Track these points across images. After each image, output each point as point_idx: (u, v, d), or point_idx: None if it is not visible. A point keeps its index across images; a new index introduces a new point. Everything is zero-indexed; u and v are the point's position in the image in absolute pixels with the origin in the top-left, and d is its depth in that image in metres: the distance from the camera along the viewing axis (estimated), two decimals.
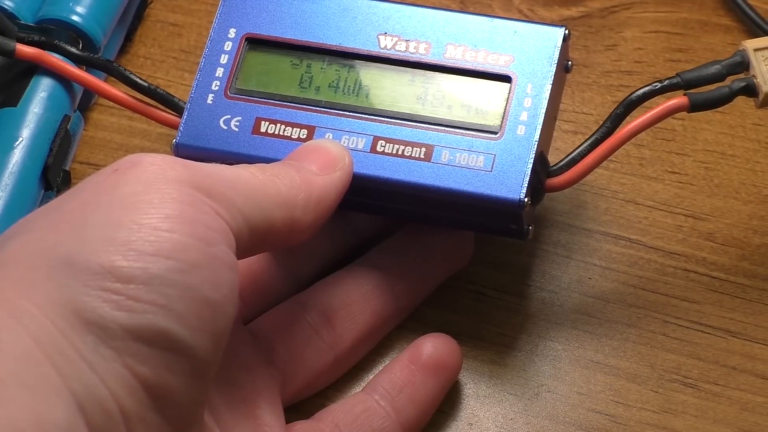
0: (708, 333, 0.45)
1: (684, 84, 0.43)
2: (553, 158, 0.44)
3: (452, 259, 0.46)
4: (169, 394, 0.33)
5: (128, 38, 0.53)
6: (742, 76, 0.43)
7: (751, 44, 0.43)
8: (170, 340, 0.33)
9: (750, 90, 0.43)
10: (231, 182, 0.36)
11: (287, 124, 0.43)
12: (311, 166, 0.40)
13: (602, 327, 0.45)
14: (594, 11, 0.54)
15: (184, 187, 0.34)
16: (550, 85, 0.43)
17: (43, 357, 0.31)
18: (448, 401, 0.44)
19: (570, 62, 0.44)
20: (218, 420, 0.39)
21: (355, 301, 0.44)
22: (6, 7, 0.49)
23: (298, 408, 0.43)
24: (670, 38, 0.53)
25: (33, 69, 0.48)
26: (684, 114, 0.43)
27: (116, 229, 0.33)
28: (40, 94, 0.48)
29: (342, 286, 0.44)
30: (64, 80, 0.48)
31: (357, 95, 0.44)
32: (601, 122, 0.43)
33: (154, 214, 0.33)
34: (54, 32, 0.48)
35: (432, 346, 0.43)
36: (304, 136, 0.43)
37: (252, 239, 0.37)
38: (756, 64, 0.43)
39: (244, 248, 0.36)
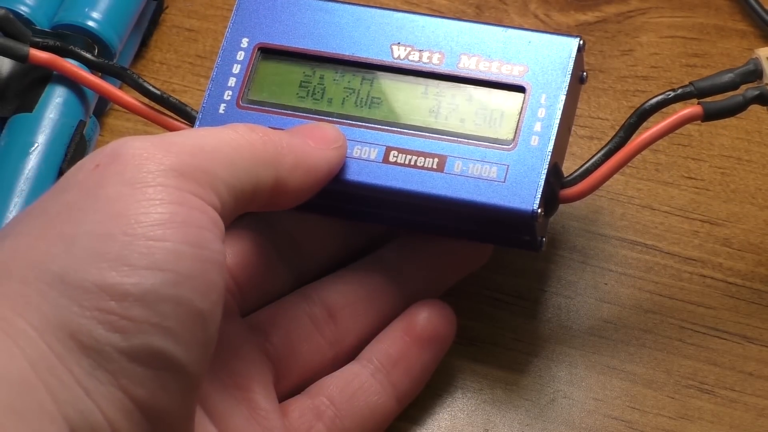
0: (724, 339, 0.45)
1: (697, 93, 0.43)
2: (568, 163, 0.44)
3: (466, 261, 0.45)
4: (163, 414, 0.33)
5: (144, 43, 0.54)
6: (755, 84, 0.43)
7: (763, 52, 0.43)
8: (165, 359, 0.33)
9: (764, 98, 0.42)
10: (213, 152, 0.36)
11: None
12: (308, 140, 0.40)
13: (618, 333, 0.45)
14: (610, 16, 0.54)
15: (170, 179, 0.34)
16: (565, 96, 0.42)
17: (39, 382, 0.31)
18: (464, 407, 0.44)
19: (585, 73, 0.44)
20: (210, 409, 0.39)
21: (361, 299, 0.43)
22: (22, 12, 0.49)
23: None
24: (687, 43, 0.53)
25: (49, 75, 0.48)
26: None
27: (107, 242, 0.32)
28: (56, 99, 0.48)
29: (350, 283, 0.43)
30: (79, 86, 0.48)
31: (369, 107, 0.43)
32: (617, 128, 0.43)
33: (144, 222, 0.33)
34: (70, 38, 0.48)
35: (426, 317, 0.42)
36: None
37: (237, 205, 0.37)
38: None
39: (229, 216, 0.36)
